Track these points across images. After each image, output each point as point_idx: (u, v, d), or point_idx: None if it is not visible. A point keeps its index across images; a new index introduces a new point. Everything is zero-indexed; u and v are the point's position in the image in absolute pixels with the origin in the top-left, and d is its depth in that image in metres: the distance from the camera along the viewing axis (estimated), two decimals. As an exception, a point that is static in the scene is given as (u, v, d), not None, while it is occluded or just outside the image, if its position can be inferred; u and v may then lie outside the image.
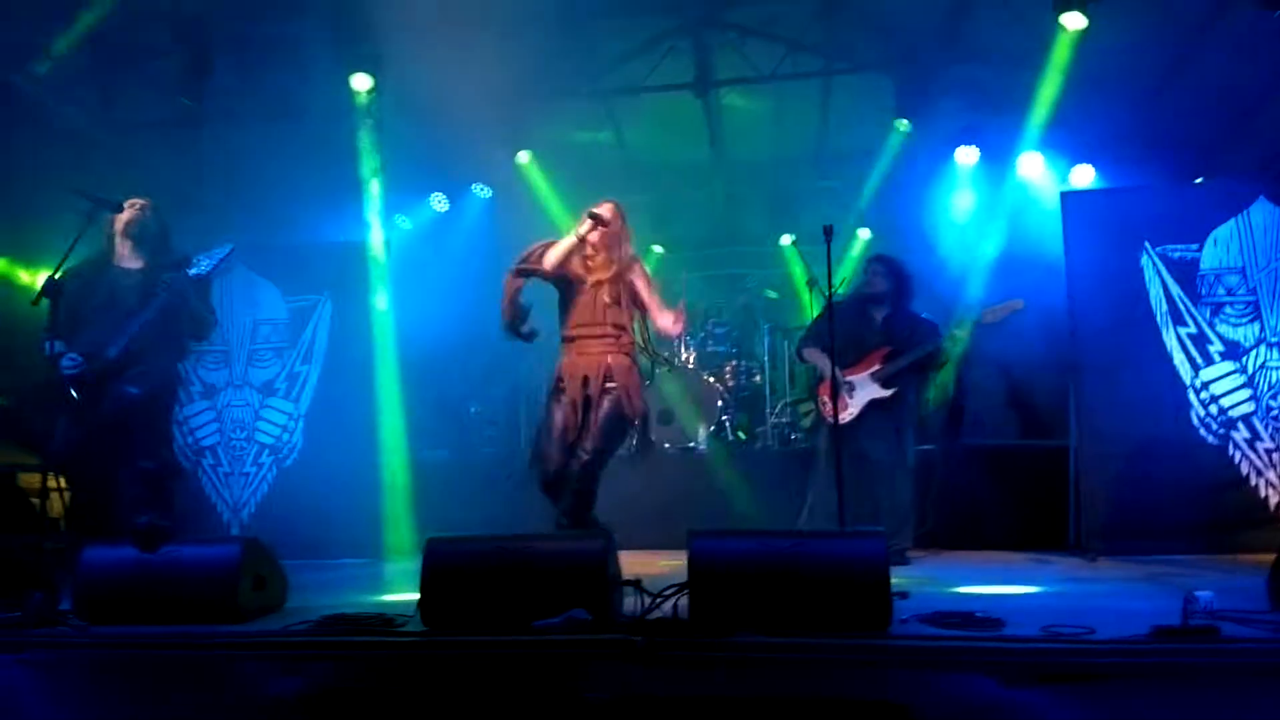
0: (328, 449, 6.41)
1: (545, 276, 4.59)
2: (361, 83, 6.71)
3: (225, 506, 6.51)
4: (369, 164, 7.12)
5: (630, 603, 3.53)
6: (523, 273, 4.59)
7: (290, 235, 7.57)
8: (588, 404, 4.44)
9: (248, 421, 6.57)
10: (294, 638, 3.30)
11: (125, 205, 4.55)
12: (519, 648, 3.09)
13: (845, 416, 5.27)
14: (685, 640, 3.11)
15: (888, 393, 5.26)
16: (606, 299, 4.52)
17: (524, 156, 8.14)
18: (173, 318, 4.44)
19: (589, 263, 4.58)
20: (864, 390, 5.30)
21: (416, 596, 3.41)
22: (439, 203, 8.59)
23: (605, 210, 4.56)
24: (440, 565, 3.42)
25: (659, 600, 3.45)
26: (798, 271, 9.05)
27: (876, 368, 5.30)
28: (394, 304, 6.69)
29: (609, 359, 4.49)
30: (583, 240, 4.52)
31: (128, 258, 4.60)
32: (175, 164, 7.46)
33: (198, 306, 4.55)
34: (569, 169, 8.26)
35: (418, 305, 7.16)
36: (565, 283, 4.61)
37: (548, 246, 4.59)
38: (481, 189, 8.56)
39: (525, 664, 3.05)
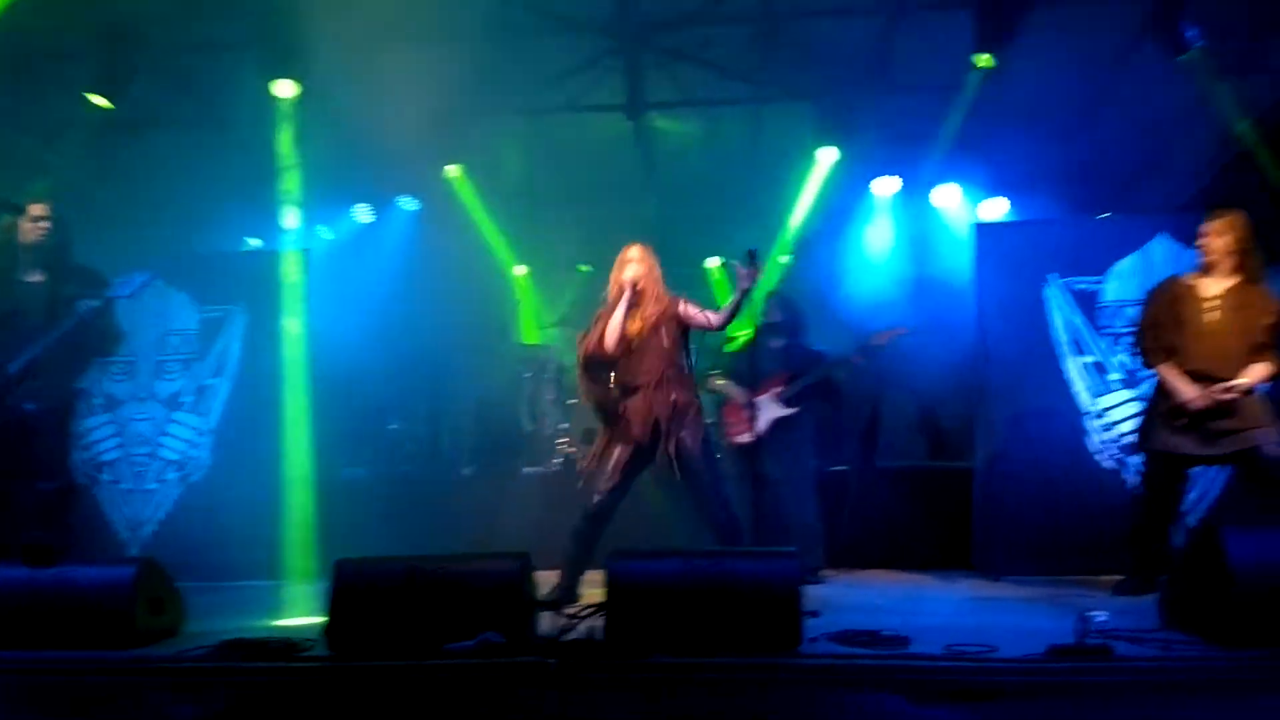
0: (236, 466, 6.23)
1: (613, 358, 4.63)
2: (285, 89, 6.58)
3: (124, 525, 6.25)
4: (290, 173, 6.99)
5: (548, 624, 3.51)
6: (592, 369, 4.66)
7: (205, 243, 7.38)
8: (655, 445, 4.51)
9: (151, 436, 6.33)
10: (191, 663, 3.21)
11: (26, 208, 4.39)
12: (429, 673, 3.05)
13: (748, 436, 5.46)
14: (600, 662, 3.11)
15: (790, 411, 5.45)
16: (665, 343, 4.59)
17: (453, 170, 8.09)
18: (80, 337, 4.30)
19: (640, 316, 4.63)
20: (768, 410, 5.48)
21: (324, 620, 3.34)
22: (363, 214, 8.47)
23: (636, 265, 4.66)
24: (348, 587, 3.36)
25: (575, 621, 3.44)
26: (723, 295, 9.14)
27: (780, 389, 5.50)
28: (313, 317, 6.53)
29: (676, 398, 4.55)
30: (630, 310, 4.59)
31: (28, 268, 4.43)
32: (88, 168, 7.22)
33: (108, 326, 4.41)
34: (499, 184, 8.24)
35: (338, 318, 7.05)
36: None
37: (597, 332, 4.66)
38: (408, 201, 8.48)
39: (435, 689, 3.01)
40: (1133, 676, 3.00)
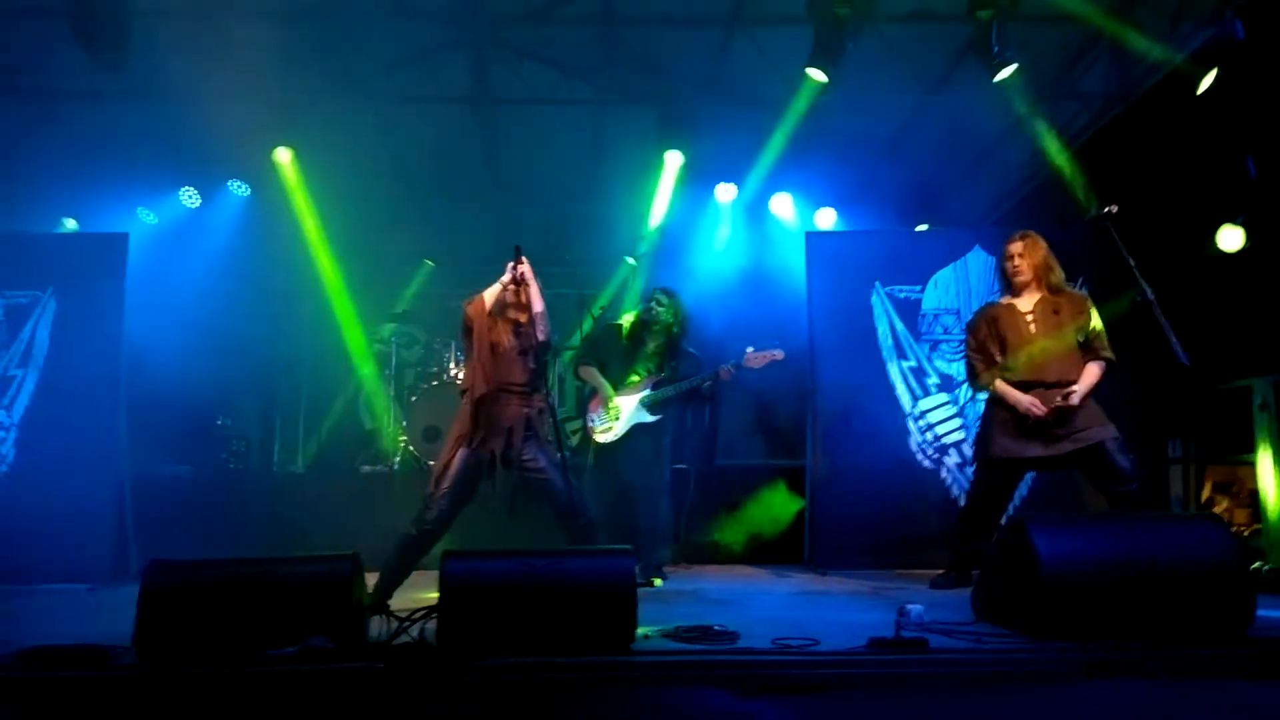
0: (44, 462, 5.80)
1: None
2: (107, 61, 6.12)
3: (-83, 523, 5.73)
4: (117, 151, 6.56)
5: (378, 628, 3.42)
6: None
7: (10, 223, 6.82)
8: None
9: (-52, 430, 5.84)
10: (-13, 674, 2.96)
11: None
12: (248, 681, 2.93)
13: (609, 436, 5.41)
14: (432, 666, 3.06)
15: (653, 419, 5.41)
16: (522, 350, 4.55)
17: (284, 155, 7.74)
18: None
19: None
20: (631, 413, 5.42)
21: (135, 626, 3.15)
22: (189, 198, 8.02)
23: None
24: (160, 591, 3.17)
25: (406, 624, 3.37)
26: (575, 293, 9.13)
27: (645, 393, 5.44)
28: (133, 305, 6.14)
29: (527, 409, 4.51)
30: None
31: None
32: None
33: None
34: (335, 172, 7.96)
35: (161, 308, 6.66)
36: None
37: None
38: (239, 186, 8.07)
39: (255, 698, 2.89)
40: (948, 669, 3.15)
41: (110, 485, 5.84)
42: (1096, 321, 4.68)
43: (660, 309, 5.48)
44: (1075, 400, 4.50)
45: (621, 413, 5.41)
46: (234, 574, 3.24)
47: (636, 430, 5.40)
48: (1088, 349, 4.64)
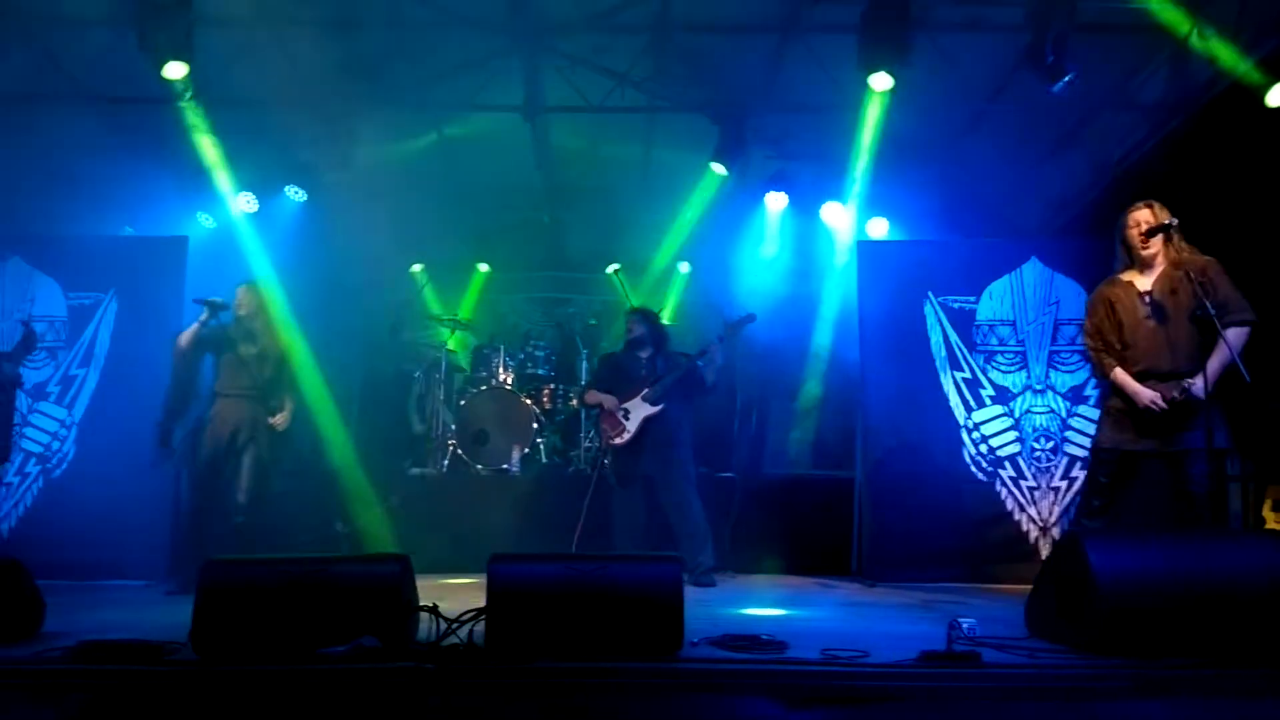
0: (103, 461, 5.94)
1: None
2: (174, 71, 6.27)
3: (-20, 519, 5.91)
4: (204, 151, 6.71)
5: (427, 628, 3.45)
6: None
7: (74, 227, 7.00)
8: None
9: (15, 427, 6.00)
10: (46, 665, 3.04)
11: None
12: (300, 678, 2.96)
13: (625, 437, 5.79)
14: (479, 668, 3.07)
15: (657, 408, 5.80)
16: None
17: (343, 162, 7.85)
18: None
19: None
20: (637, 411, 5.84)
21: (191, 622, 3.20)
22: (247, 203, 8.17)
23: None
24: (217, 588, 3.23)
25: (455, 626, 3.39)
26: (626, 299, 9.18)
27: (646, 390, 5.86)
28: (190, 307, 6.26)
29: None
30: None
31: None
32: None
33: None
34: (391, 179, 8.06)
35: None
36: None
37: None
38: (296, 192, 8.21)
39: (307, 695, 2.92)
40: (1000, 683, 3.09)
41: (167, 484, 5.96)
42: (1226, 286, 4.25)
43: (637, 325, 6.12)
44: (1198, 391, 4.11)
45: (630, 414, 5.83)
46: (287, 573, 3.29)
47: (646, 424, 5.80)
48: (1222, 317, 4.13)
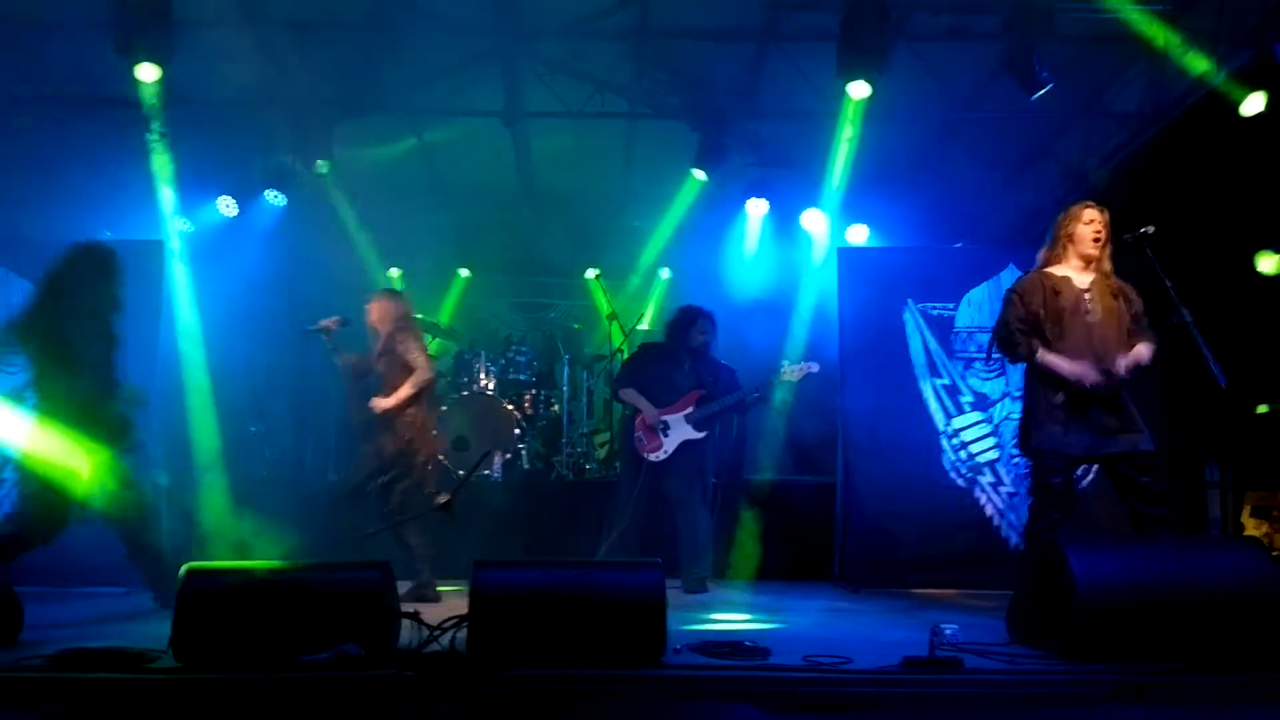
0: (83, 466, 5.86)
1: None
2: (147, 73, 6.22)
3: (-41, 525, 5.81)
4: (155, 161, 6.64)
5: (409, 636, 3.44)
6: None
7: (50, 231, 6.92)
8: None
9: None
10: (25, 673, 3.00)
11: None
12: (282, 685, 2.95)
13: (660, 455, 5.56)
14: (461, 675, 3.06)
15: (700, 435, 5.58)
16: None
17: (322, 166, 7.82)
18: None
19: None
20: (678, 430, 5.59)
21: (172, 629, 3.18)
22: (226, 207, 8.11)
23: None
24: (197, 595, 3.21)
25: (437, 633, 3.38)
26: (601, 305, 9.19)
27: (690, 410, 5.60)
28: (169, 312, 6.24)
29: None
30: None
31: None
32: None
33: None
34: (371, 182, 8.04)
35: (196, 315, 6.74)
36: None
37: None
38: (275, 196, 8.16)
39: (289, 703, 2.91)
40: (981, 690, 3.12)
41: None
42: (1140, 303, 4.24)
43: (706, 335, 5.71)
44: (1121, 369, 4.03)
45: (670, 430, 5.58)
46: (269, 580, 3.27)
47: (683, 446, 5.57)
48: (1137, 332, 4.17)
